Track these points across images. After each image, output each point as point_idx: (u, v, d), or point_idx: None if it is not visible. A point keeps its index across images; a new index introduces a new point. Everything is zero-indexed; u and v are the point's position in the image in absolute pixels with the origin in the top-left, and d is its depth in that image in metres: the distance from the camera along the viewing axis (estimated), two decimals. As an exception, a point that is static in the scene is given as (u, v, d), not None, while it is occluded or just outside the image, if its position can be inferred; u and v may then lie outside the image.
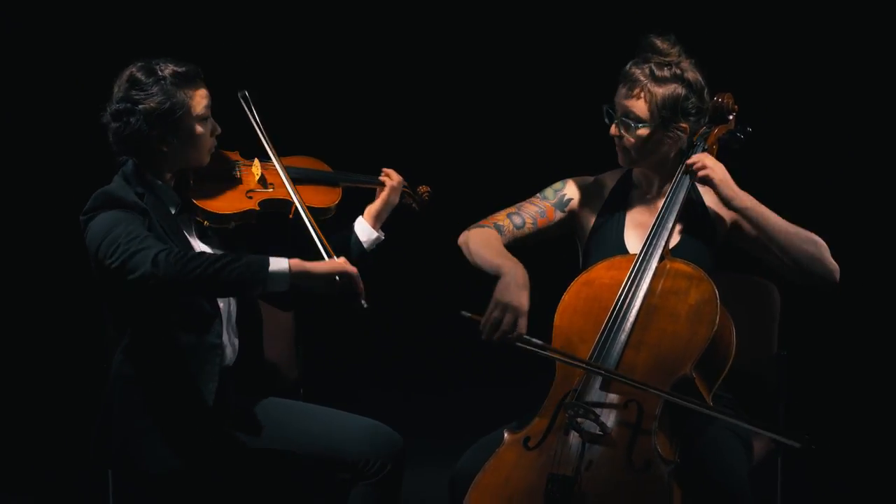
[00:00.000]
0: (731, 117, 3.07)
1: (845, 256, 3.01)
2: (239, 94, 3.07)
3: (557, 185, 3.18)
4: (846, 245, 3.00)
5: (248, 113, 3.06)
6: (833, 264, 2.95)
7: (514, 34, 4.68)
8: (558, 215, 3.14)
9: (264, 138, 3.04)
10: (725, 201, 2.95)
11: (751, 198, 2.94)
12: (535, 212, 3.12)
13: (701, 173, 2.94)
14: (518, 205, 3.14)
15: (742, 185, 3.04)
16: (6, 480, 4.50)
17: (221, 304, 2.96)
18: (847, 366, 4.53)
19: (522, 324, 2.81)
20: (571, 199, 3.15)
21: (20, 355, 4.71)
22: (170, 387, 2.89)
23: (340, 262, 2.82)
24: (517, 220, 3.10)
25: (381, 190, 3.18)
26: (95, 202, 2.86)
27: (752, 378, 3.25)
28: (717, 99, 3.06)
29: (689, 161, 2.97)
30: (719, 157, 3.03)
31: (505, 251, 2.98)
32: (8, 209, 4.63)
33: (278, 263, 2.74)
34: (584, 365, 2.80)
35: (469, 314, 2.83)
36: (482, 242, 3.02)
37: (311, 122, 4.51)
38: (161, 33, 4.43)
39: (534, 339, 2.82)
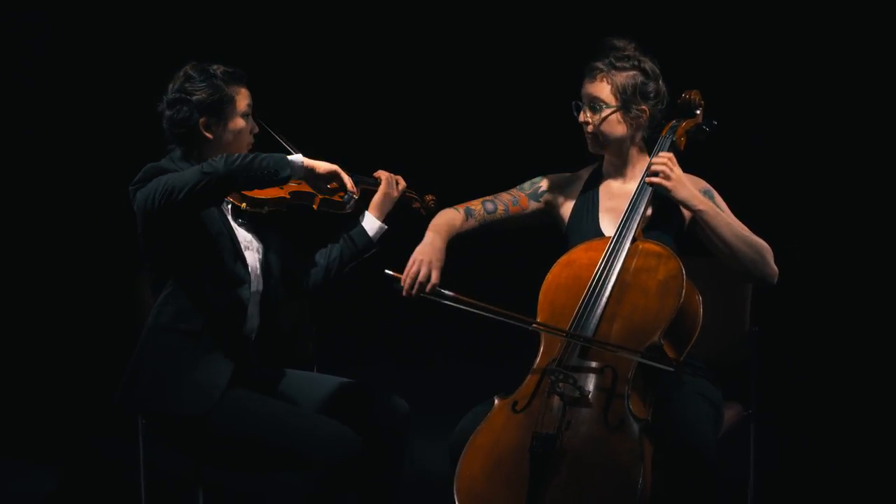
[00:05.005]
0: (698, 112, 3.30)
1: (813, 239, 3.21)
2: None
3: (536, 179, 3.44)
4: (812, 228, 3.16)
5: (271, 131, 3.35)
6: (773, 269, 3.17)
7: (511, 48, 4.87)
8: (532, 205, 3.40)
9: (291, 148, 3.29)
10: (681, 203, 3.16)
11: (705, 201, 3.15)
12: (508, 200, 3.40)
13: (654, 180, 3.15)
14: (495, 194, 3.42)
15: (709, 174, 3.27)
16: (37, 442, 4.69)
17: (252, 275, 3.23)
18: (815, 340, 4.69)
19: (435, 275, 3.15)
20: (546, 191, 3.40)
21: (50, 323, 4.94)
22: (200, 336, 3.15)
23: (334, 166, 3.16)
24: (489, 206, 3.38)
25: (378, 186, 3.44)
26: (145, 174, 3.14)
27: (727, 353, 3.46)
28: (686, 95, 3.30)
29: (652, 161, 3.17)
30: (687, 149, 3.26)
31: (442, 228, 3.28)
32: (58, 186, 4.89)
33: (295, 157, 3.10)
34: (532, 326, 3.07)
35: (391, 272, 3.15)
36: (438, 219, 3.34)
37: (325, 132, 4.61)
38: (178, 37, 4.67)
39: (447, 292, 3.11)
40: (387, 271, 3.15)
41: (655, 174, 3.16)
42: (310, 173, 3.14)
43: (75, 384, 4.90)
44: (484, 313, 3.07)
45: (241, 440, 3.14)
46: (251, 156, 3.06)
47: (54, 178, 4.90)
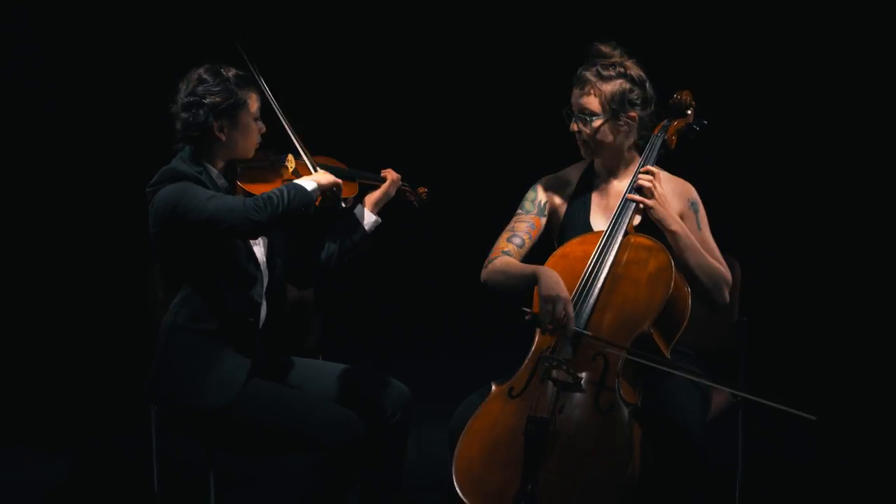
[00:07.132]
0: (689, 112, 3.40)
1: (800, 233, 3.29)
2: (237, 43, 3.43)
3: (530, 194, 3.48)
4: (801, 222, 3.24)
5: (248, 62, 3.40)
6: (724, 299, 3.25)
7: (498, 53, 5.03)
8: (543, 221, 3.45)
9: (298, 142, 3.44)
10: (657, 222, 3.24)
11: (679, 224, 3.23)
12: (527, 228, 3.42)
13: (635, 197, 3.22)
14: (509, 227, 3.43)
15: (699, 173, 3.40)
16: (55, 434, 4.78)
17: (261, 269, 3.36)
18: (801, 329, 4.83)
19: (570, 308, 3.12)
20: (547, 202, 3.46)
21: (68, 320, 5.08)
22: (218, 334, 3.28)
23: (331, 176, 3.34)
24: (517, 241, 3.40)
25: (383, 184, 3.55)
26: (162, 176, 3.28)
27: (717, 342, 3.57)
28: (677, 95, 3.40)
29: (638, 176, 3.25)
30: (678, 147, 3.37)
31: (525, 264, 3.30)
32: (75, 190, 5.04)
33: (307, 183, 3.28)
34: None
35: (527, 309, 3.14)
36: (504, 270, 3.32)
37: (331, 129, 4.72)
38: (186, 36, 4.80)
39: (587, 332, 3.11)
40: (526, 318, 3.14)
41: (639, 189, 3.25)
42: (323, 190, 3.33)
43: (88, 374, 5.03)
44: (611, 349, 3.10)
45: (253, 427, 3.28)
46: (286, 199, 3.21)
47: (61, 176, 5.03)
